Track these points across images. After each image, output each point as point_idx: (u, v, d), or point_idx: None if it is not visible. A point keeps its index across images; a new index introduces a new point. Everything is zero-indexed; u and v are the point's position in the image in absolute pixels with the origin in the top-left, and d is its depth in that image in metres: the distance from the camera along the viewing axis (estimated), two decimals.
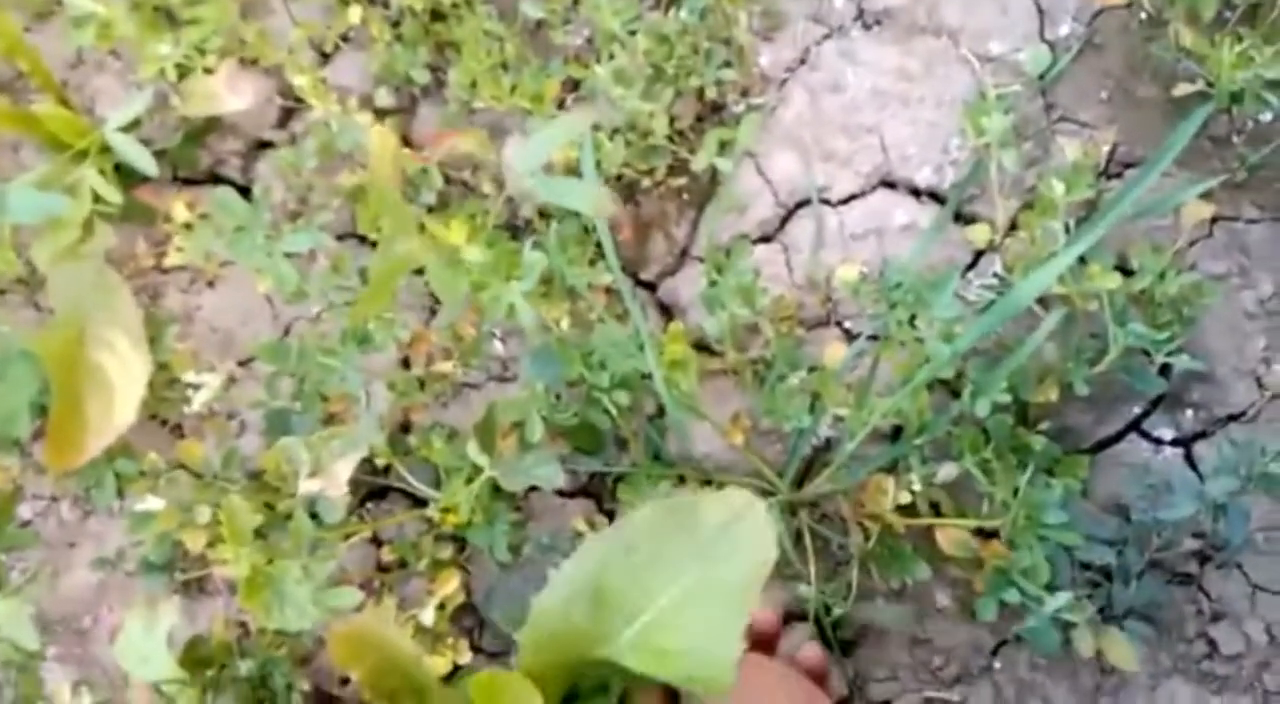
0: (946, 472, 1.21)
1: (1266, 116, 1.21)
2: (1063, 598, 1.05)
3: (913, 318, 1.22)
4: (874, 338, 1.39)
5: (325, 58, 1.72)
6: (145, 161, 1.58)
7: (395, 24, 1.66)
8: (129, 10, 1.61)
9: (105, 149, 1.61)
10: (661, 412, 1.48)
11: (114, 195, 1.57)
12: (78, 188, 1.55)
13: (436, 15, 1.63)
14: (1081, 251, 1.14)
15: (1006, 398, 1.20)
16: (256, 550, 1.20)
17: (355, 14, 1.63)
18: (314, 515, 1.43)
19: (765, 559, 0.88)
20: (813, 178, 1.46)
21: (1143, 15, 1.28)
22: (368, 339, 1.40)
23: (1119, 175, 1.33)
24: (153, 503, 1.30)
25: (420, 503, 1.57)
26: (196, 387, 1.41)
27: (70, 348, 1.43)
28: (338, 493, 1.31)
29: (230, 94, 1.58)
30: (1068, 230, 1.23)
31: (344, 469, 1.33)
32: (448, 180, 1.66)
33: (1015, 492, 1.14)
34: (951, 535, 1.16)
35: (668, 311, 1.60)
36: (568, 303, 1.48)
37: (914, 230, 1.42)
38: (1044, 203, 1.21)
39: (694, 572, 0.88)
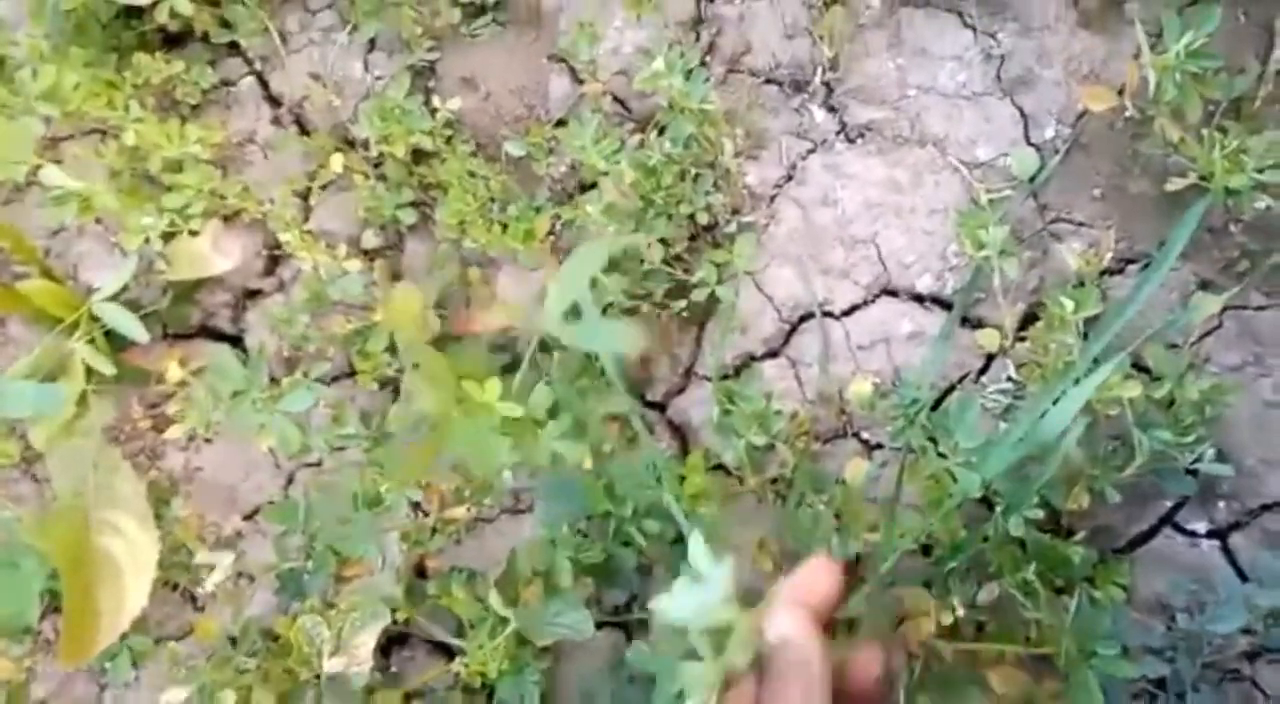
0: (988, 592, 1.19)
1: (1262, 204, 1.21)
2: None
3: (934, 438, 1.21)
4: (896, 448, 1.37)
5: (308, 200, 1.71)
6: (136, 330, 1.56)
7: (377, 165, 1.65)
8: (108, 180, 1.60)
9: (94, 317, 1.59)
10: (683, 535, 1.45)
11: (107, 367, 1.55)
12: (69, 365, 1.53)
13: (419, 155, 1.62)
14: (1098, 366, 1.13)
15: (1039, 513, 1.18)
16: None
17: (338, 162, 1.62)
18: (334, 676, 1.39)
19: None
20: (813, 292, 1.46)
21: (1127, 114, 1.28)
22: (379, 501, 1.37)
23: (1120, 271, 1.33)
24: (175, 695, 1.26)
25: (443, 646, 1.54)
26: (209, 567, 1.37)
27: (76, 535, 1.40)
28: (362, 668, 1.28)
29: (217, 255, 1.56)
30: (1081, 336, 1.22)
31: (367, 642, 1.30)
32: (441, 316, 1.65)
33: (1063, 612, 1.12)
34: (1005, 674, 1.13)
35: (678, 430, 1.58)
36: (583, 437, 1.46)
37: (921, 337, 1.41)
38: (1054, 319, 1.20)
39: None
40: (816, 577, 0.70)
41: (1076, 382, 1.17)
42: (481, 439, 1.28)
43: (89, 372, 1.56)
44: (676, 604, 0.63)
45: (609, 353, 1.45)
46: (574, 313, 1.11)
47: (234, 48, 1.73)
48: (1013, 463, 1.12)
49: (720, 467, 1.48)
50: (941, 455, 1.16)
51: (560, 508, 1.40)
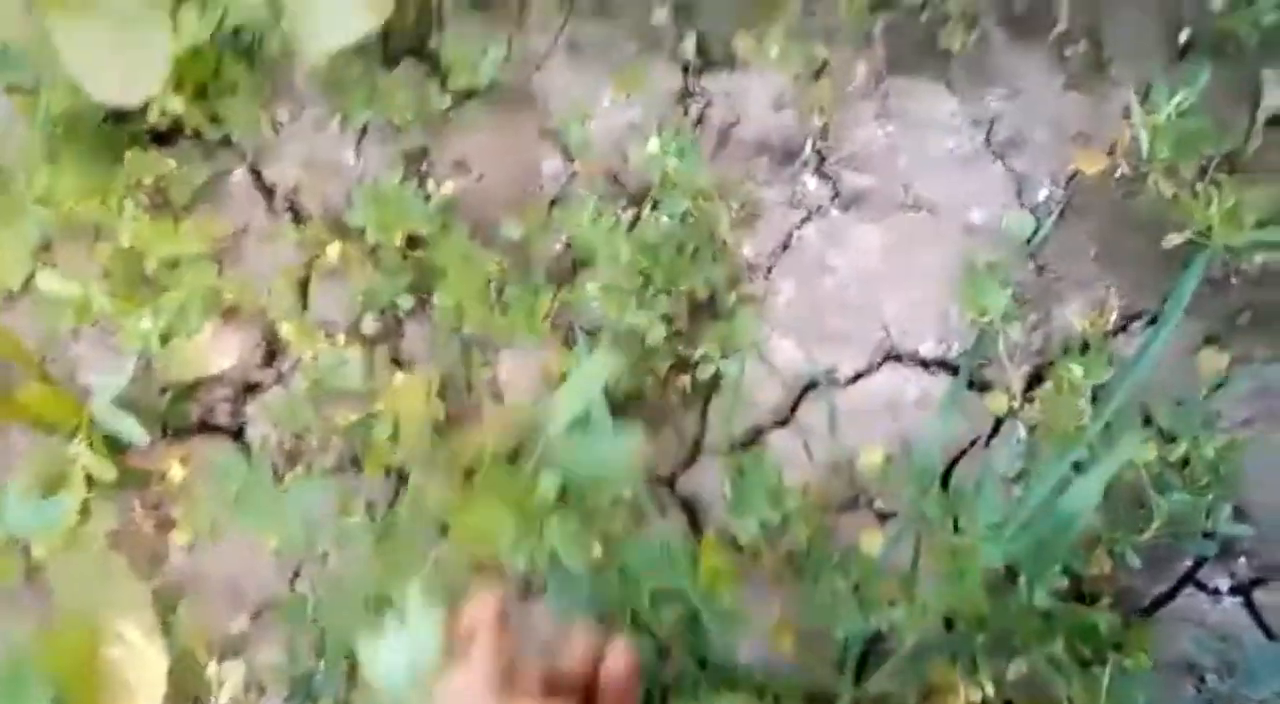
0: (1016, 668, 1.17)
1: (1261, 258, 1.21)
2: None
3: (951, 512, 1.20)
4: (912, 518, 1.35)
5: (306, 289, 1.70)
6: (136, 433, 1.54)
7: (373, 250, 1.65)
8: (103, 281, 1.59)
9: (94, 420, 1.57)
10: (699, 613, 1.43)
11: (108, 472, 1.53)
12: (70, 473, 1.51)
13: (414, 240, 1.62)
14: (1109, 429, 1.12)
15: (1063, 581, 1.17)
16: None
17: (334, 252, 1.62)
18: None
19: None
20: (815, 361, 1.45)
21: (1119, 173, 1.29)
22: (389, 603, 1.34)
23: (1124, 328, 1.33)
24: None
25: None
26: (220, 683, 1.34)
27: (82, 648, 1.37)
28: None
29: (215, 354, 1.56)
30: (1092, 398, 1.22)
31: None
32: (443, 396, 1.63)
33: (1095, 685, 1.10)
34: None
35: (688, 505, 1.56)
36: (587, 521, 1.44)
37: (928, 402, 1.40)
38: (1063, 384, 1.20)
39: None
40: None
41: (1090, 448, 1.17)
42: (490, 530, 1.27)
43: (90, 479, 1.54)
44: (384, 658, 0.59)
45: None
46: (581, 421, 1.10)
47: (225, 139, 1.74)
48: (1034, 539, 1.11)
49: (734, 540, 1.47)
50: (959, 529, 1.14)
51: (570, 600, 1.38)
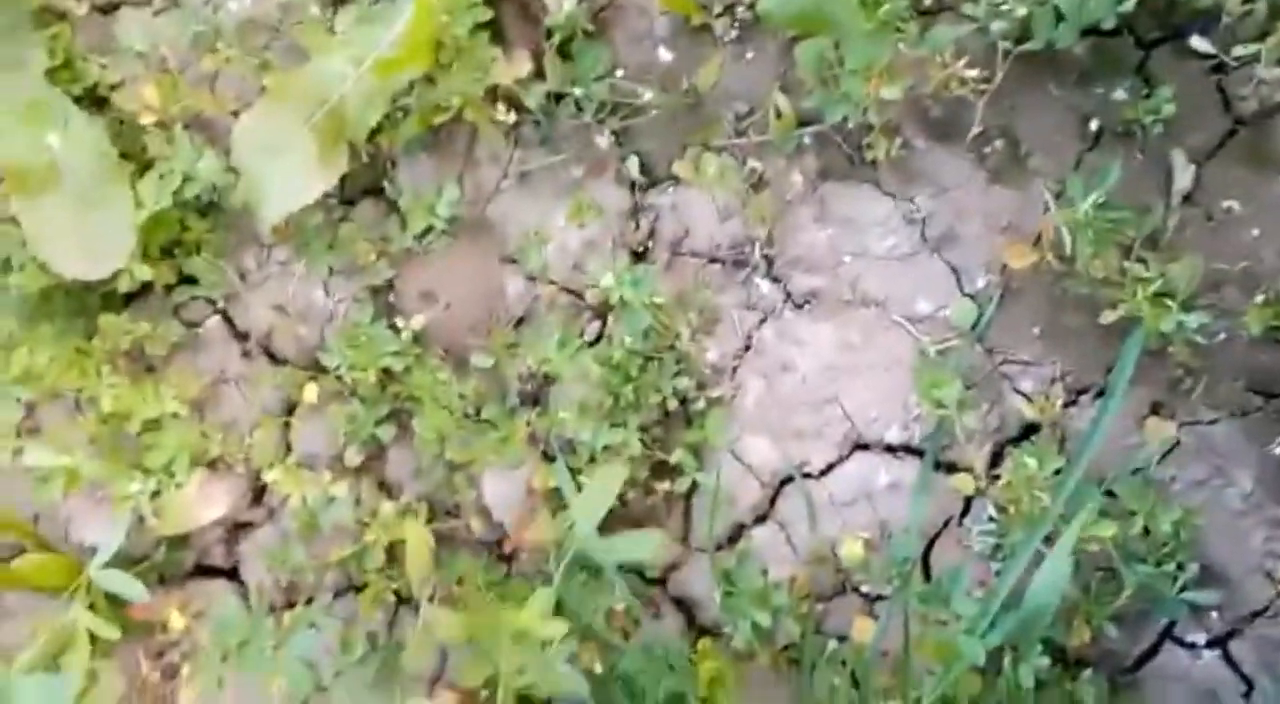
0: None
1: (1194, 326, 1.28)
2: None
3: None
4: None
5: (288, 428, 1.74)
6: (135, 590, 1.58)
7: (353, 391, 1.69)
8: (89, 446, 1.62)
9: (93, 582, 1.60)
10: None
11: (112, 632, 1.56)
12: (74, 636, 1.54)
13: (389, 371, 1.66)
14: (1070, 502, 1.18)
15: (1045, 661, 1.22)
16: None
17: (311, 392, 1.66)
18: None
19: None
20: (788, 456, 1.51)
21: (1049, 259, 1.35)
22: None
23: (1074, 402, 1.39)
24: None
25: None
26: None
27: None
28: None
29: (204, 506, 1.59)
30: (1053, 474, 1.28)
31: None
32: (431, 516, 1.68)
33: None
34: None
35: (682, 603, 1.60)
36: (583, 638, 1.47)
37: (900, 487, 1.45)
38: (1021, 474, 1.25)
39: None
40: None
41: (1055, 524, 1.22)
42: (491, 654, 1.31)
43: (93, 638, 1.57)
44: None
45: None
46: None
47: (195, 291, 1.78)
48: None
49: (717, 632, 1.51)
50: (941, 622, 1.19)
51: None
